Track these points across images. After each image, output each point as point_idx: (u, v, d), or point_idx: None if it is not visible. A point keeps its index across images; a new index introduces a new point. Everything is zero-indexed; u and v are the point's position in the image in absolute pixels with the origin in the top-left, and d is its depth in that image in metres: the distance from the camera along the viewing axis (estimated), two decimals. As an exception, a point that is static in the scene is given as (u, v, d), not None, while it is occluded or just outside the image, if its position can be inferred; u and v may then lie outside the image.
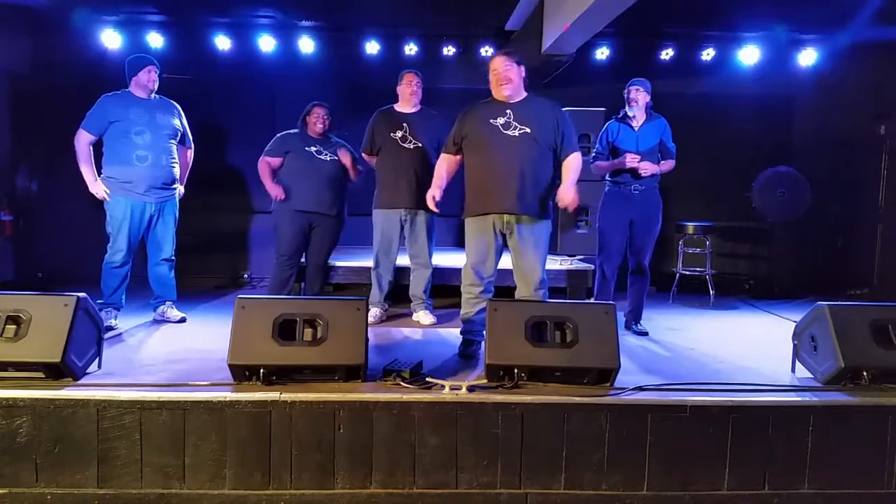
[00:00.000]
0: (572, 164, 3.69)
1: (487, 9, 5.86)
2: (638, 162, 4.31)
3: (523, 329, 3.11)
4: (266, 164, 4.64)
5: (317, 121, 4.64)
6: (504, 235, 3.70)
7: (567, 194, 3.57)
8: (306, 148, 4.61)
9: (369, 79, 6.39)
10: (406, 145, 4.59)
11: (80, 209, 5.43)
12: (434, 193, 3.75)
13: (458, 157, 3.80)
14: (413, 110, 4.68)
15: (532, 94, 3.77)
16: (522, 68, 3.69)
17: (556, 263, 5.58)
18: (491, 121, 3.64)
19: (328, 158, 4.64)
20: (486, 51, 6.39)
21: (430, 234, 4.70)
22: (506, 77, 3.62)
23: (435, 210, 3.84)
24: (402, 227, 4.65)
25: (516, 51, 3.84)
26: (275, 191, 4.59)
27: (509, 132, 3.62)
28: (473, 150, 3.70)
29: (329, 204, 4.65)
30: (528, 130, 3.61)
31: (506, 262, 3.82)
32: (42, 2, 5.71)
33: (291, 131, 4.71)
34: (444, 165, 3.83)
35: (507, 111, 3.64)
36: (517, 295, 3.77)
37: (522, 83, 3.71)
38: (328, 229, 4.74)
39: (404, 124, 4.62)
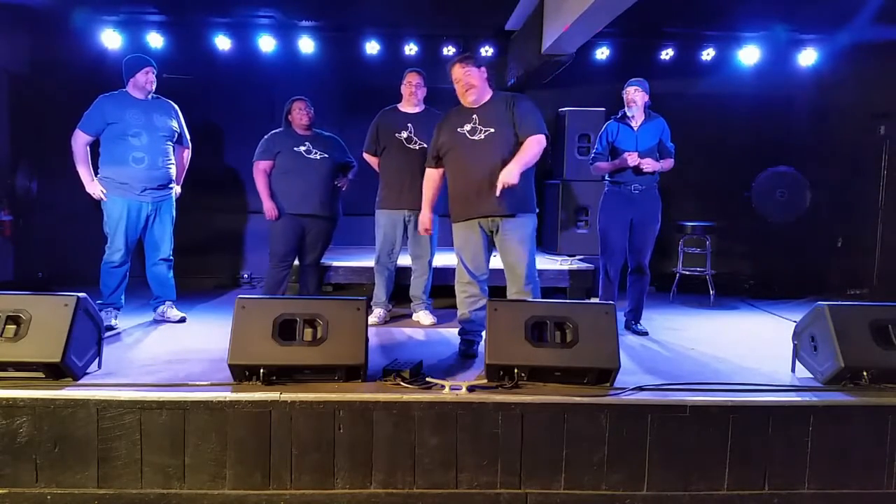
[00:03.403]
0: (526, 146, 3.55)
1: (487, 9, 5.85)
2: (638, 158, 4.31)
3: (523, 329, 3.11)
4: (263, 172, 4.60)
5: (301, 115, 4.60)
6: (491, 234, 3.73)
7: (506, 173, 3.43)
8: (295, 148, 4.57)
9: (369, 79, 6.39)
10: (412, 146, 4.58)
11: (80, 209, 5.43)
12: (427, 218, 3.89)
13: (441, 169, 3.84)
14: (417, 110, 4.67)
15: (496, 92, 3.76)
16: (483, 69, 3.70)
17: (556, 263, 5.58)
18: (458, 129, 3.67)
19: (318, 157, 4.61)
20: (487, 51, 6.39)
21: (433, 235, 4.69)
22: (468, 83, 3.63)
23: (430, 230, 3.94)
24: (405, 228, 4.64)
25: (470, 54, 3.86)
26: (270, 209, 4.57)
27: (475, 137, 3.64)
28: (447, 160, 3.76)
29: (321, 205, 4.63)
30: (492, 130, 3.62)
31: (495, 261, 3.84)
32: (42, 2, 5.70)
33: (277, 131, 4.68)
34: (429, 182, 3.89)
35: (473, 116, 3.67)
36: (508, 292, 3.79)
37: (486, 84, 3.71)
38: (322, 231, 4.73)
39: (409, 125, 4.60)
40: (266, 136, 4.68)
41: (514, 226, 3.65)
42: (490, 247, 3.78)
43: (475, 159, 3.61)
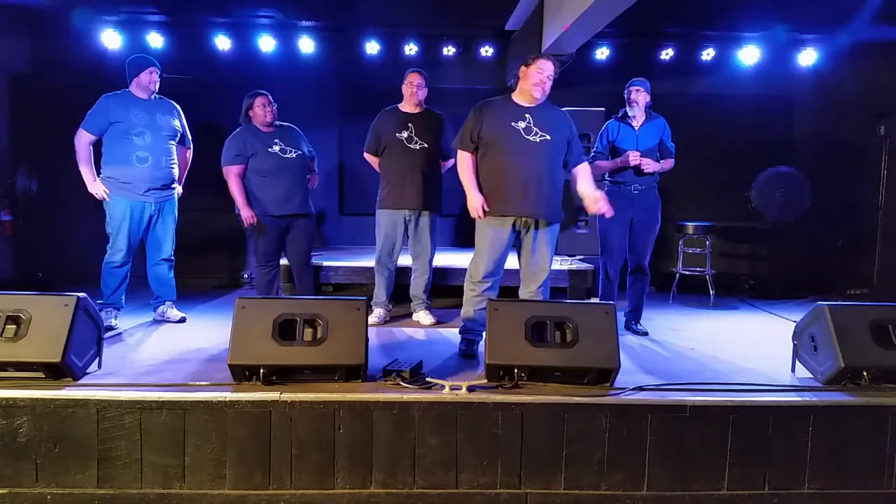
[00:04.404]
0: (586, 171, 3.82)
1: (487, 9, 5.86)
2: (640, 159, 4.31)
3: (523, 329, 3.11)
4: (237, 177, 4.44)
5: (266, 112, 4.42)
6: (518, 234, 3.72)
7: (597, 199, 3.70)
8: (269, 149, 4.44)
9: (369, 79, 6.39)
10: (412, 146, 4.58)
11: (80, 209, 5.44)
12: (481, 202, 3.63)
13: (475, 154, 3.76)
14: (417, 110, 4.66)
15: (546, 100, 3.77)
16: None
17: (556, 263, 5.56)
18: (512, 124, 3.63)
19: (294, 155, 4.51)
20: (487, 51, 6.40)
21: (433, 235, 4.69)
22: (546, 83, 3.63)
23: (482, 216, 3.68)
24: (405, 228, 4.64)
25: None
26: (250, 217, 4.43)
27: (531, 137, 3.62)
28: (493, 152, 3.66)
29: (300, 203, 4.54)
30: (548, 137, 3.64)
31: (509, 262, 3.83)
32: (42, 2, 5.71)
33: (240, 130, 4.50)
34: (469, 166, 3.71)
35: (526, 115, 3.65)
36: (522, 291, 3.80)
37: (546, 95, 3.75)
38: (304, 229, 4.63)
39: (409, 125, 4.59)
40: (231, 139, 4.49)
41: (546, 231, 3.71)
42: (512, 247, 3.78)
43: (530, 160, 3.60)
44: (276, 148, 4.47)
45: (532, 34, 5.52)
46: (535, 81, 3.61)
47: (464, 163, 3.74)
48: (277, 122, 4.57)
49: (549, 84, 3.66)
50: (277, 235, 4.56)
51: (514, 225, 3.67)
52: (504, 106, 3.70)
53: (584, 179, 3.79)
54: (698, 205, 6.48)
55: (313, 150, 4.80)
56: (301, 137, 4.68)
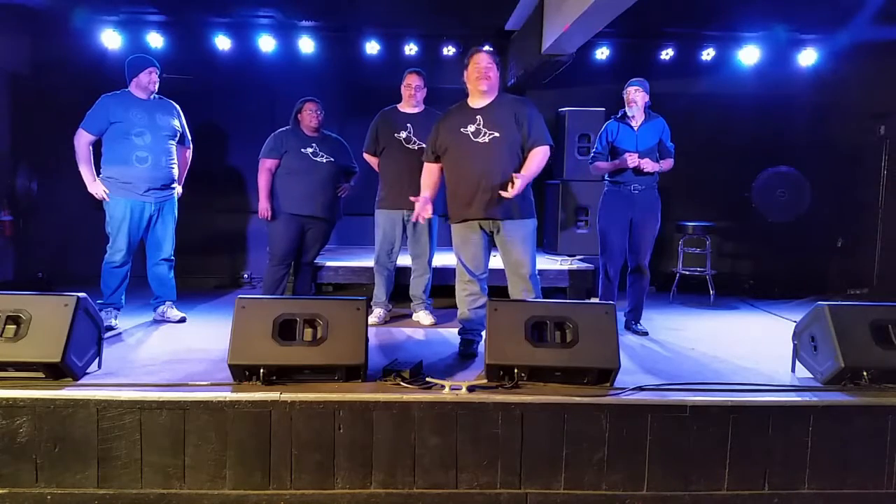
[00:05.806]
0: (534, 158, 3.57)
1: (487, 9, 5.85)
2: (638, 160, 4.31)
3: (523, 329, 3.11)
4: (267, 171, 4.61)
5: (311, 117, 4.63)
6: (491, 234, 3.72)
7: (516, 184, 3.41)
8: (302, 149, 4.60)
9: (369, 79, 6.39)
10: (410, 146, 4.59)
11: (80, 209, 5.43)
12: (424, 205, 3.62)
13: (440, 164, 3.80)
14: (416, 111, 4.67)
15: (501, 94, 3.74)
16: (499, 72, 3.68)
17: (556, 263, 5.58)
18: (461, 129, 3.63)
19: (324, 160, 4.64)
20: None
21: (432, 235, 4.70)
22: (486, 74, 3.59)
23: (427, 216, 3.70)
24: (404, 228, 4.65)
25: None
26: (265, 210, 4.59)
27: (479, 139, 3.60)
28: (448, 160, 3.71)
29: (323, 207, 4.67)
30: (497, 135, 3.59)
31: (495, 261, 3.84)
32: (42, 2, 5.71)
33: (285, 129, 4.70)
34: (427, 175, 3.81)
35: (477, 117, 3.63)
36: (510, 292, 3.79)
37: (497, 86, 3.69)
38: (321, 231, 4.78)
39: (408, 125, 4.61)
40: (273, 135, 4.69)
41: (515, 226, 3.65)
42: (490, 246, 3.78)
43: (478, 162, 3.58)
44: (309, 150, 4.61)
45: (532, 34, 5.52)
46: (476, 76, 3.59)
47: (423, 172, 3.84)
48: (325, 132, 4.75)
49: (493, 73, 3.60)
50: (294, 235, 4.65)
51: (480, 226, 3.67)
52: (458, 112, 3.71)
53: (527, 164, 3.57)
54: (698, 205, 6.47)
55: (356, 166, 4.93)
56: (343, 150, 4.82)
